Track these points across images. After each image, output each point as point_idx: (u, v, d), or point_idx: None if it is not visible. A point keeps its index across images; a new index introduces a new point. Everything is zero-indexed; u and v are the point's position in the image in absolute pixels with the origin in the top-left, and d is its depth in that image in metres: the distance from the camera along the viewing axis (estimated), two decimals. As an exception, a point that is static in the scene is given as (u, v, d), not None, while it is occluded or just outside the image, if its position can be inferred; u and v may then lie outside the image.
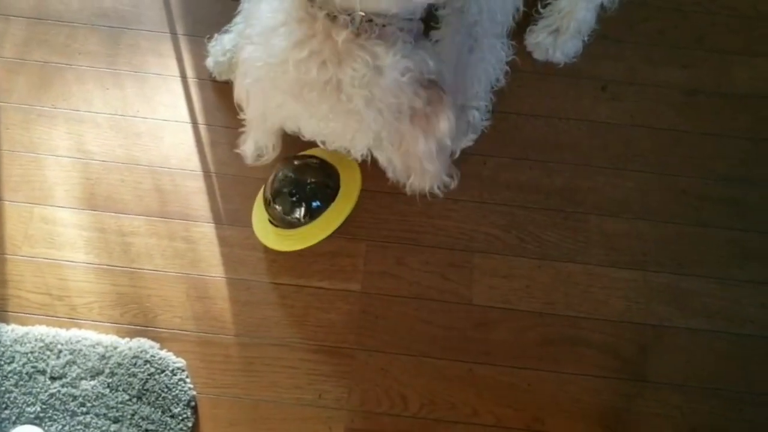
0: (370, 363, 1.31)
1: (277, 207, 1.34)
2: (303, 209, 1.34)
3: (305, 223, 1.35)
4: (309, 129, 1.03)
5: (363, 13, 0.94)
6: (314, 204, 1.34)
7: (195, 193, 1.42)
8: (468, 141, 1.43)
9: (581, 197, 1.42)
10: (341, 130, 1.00)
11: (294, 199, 1.33)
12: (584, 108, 1.49)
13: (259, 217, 1.39)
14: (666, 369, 1.30)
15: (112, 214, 1.40)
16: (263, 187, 1.38)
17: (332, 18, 0.94)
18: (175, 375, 1.26)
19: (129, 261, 1.37)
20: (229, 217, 1.41)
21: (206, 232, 1.40)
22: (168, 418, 1.23)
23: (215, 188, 1.43)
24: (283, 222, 1.35)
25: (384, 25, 0.97)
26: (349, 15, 0.94)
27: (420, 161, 1.08)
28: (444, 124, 1.02)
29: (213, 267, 1.37)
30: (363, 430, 1.26)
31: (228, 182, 1.43)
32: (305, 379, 1.29)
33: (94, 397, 1.24)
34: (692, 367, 1.30)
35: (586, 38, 1.52)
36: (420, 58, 0.99)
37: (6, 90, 1.50)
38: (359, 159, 1.13)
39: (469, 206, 1.41)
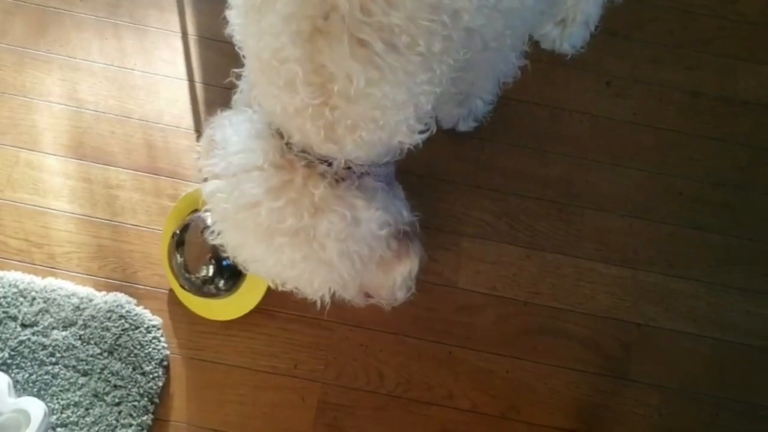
0: (349, 338, 1.28)
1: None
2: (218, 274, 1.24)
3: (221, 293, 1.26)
4: (269, 272, 0.99)
5: (343, 162, 0.91)
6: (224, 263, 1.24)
7: (186, 152, 1.40)
8: (467, 127, 1.41)
9: (577, 190, 1.40)
10: (307, 276, 0.97)
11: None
12: (587, 101, 1.48)
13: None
14: (647, 369, 1.29)
15: (100, 165, 1.37)
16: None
17: (310, 165, 0.91)
18: (149, 333, 1.23)
19: (112, 214, 1.34)
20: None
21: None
22: (138, 375, 1.20)
23: (207, 149, 1.40)
24: (194, 287, 1.25)
25: (362, 174, 0.94)
26: (328, 164, 0.91)
27: (379, 293, 1.07)
28: (405, 269, 1.01)
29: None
30: (337, 403, 1.24)
31: (220, 144, 1.41)
32: (282, 347, 1.27)
33: (64, 347, 1.22)
34: (673, 368, 1.29)
35: (593, 29, 1.50)
36: (396, 209, 0.98)
37: (0, 30, 1.46)
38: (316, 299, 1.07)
39: (463, 189, 1.38)
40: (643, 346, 1.30)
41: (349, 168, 0.93)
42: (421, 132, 0.95)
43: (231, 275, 1.25)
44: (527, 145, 1.43)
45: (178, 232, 1.25)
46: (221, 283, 1.25)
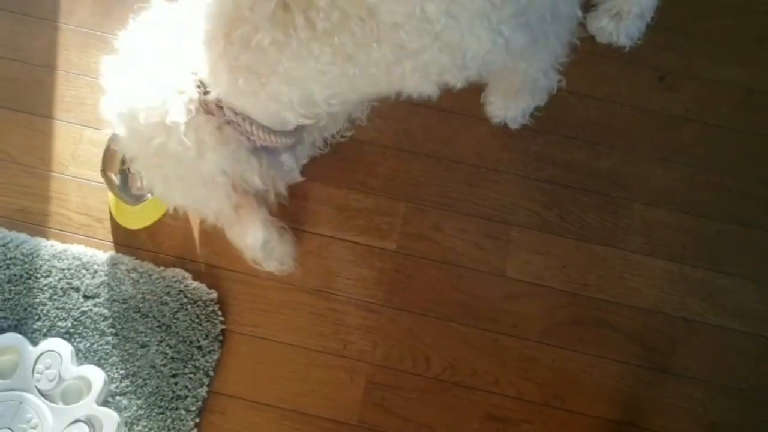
0: (396, 321, 1.31)
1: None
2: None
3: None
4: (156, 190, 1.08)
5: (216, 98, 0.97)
6: None
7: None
8: (517, 125, 1.42)
9: (627, 183, 1.40)
10: (169, 191, 1.06)
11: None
12: (639, 95, 1.48)
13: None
14: (692, 363, 1.29)
15: (159, 145, 1.42)
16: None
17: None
18: (206, 307, 1.28)
19: (171, 193, 1.38)
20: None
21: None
22: (194, 350, 1.25)
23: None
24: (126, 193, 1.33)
25: (231, 122, 0.99)
26: (205, 92, 0.97)
27: (241, 250, 1.10)
28: (250, 238, 1.04)
29: (253, 209, 1.38)
30: (383, 384, 1.27)
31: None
32: (331, 328, 1.31)
33: (124, 319, 1.26)
34: (719, 364, 1.29)
35: (649, 20, 1.50)
36: (248, 170, 1.02)
37: (67, 11, 1.51)
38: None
39: (513, 179, 1.40)
40: (689, 340, 1.31)
41: (220, 108, 0.97)
42: (306, 117, 1.00)
43: None
44: (578, 137, 1.44)
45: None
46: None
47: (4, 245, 1.31)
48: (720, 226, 1.39)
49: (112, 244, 1.34)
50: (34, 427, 1.17)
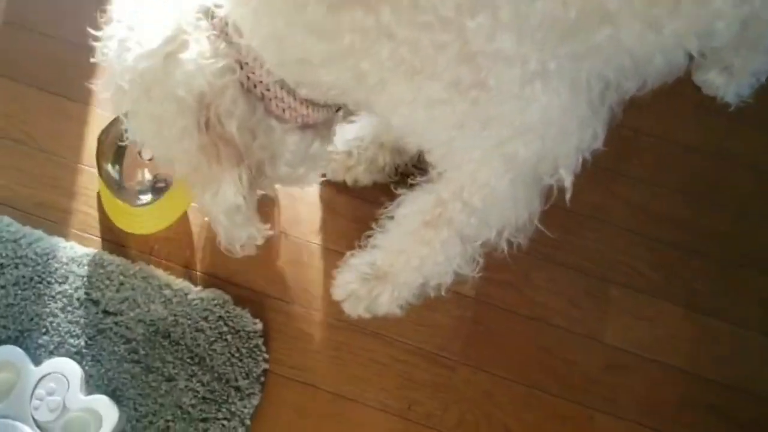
0: (473, 381, 1.10)
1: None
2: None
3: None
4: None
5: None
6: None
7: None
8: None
9: (741, 247, 1.22)
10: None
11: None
12: (752, 151, 1.31)
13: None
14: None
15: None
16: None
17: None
18: (250, 340, 1.06)
19: (219, 203, 1.19)
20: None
21: (311, 191, 1.21)
22: (232, 390, 1.02)
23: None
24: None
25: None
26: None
27: None
28: (218, 196, 0.87)
29: (313, 232, 1.18)
30: (454, 458, 1.05)
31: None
32: (395, 381, 1.09)
33: (149, 345, 1.04)
34: None
35: (764, 79, 1.36)
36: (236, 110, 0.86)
37: None
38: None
39: (614, 231, 1.21)
40: (815, 441, 1.10)
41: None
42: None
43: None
44: (684, 190, 1.26)
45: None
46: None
47: (14, 241, 1.09)
48: None
49: (144, 254, 1.14)
50: (22, 467, 0.94)
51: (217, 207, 0.89)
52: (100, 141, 1.14)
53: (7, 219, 1.12)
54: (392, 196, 1.04)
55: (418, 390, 1.08)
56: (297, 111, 0.88)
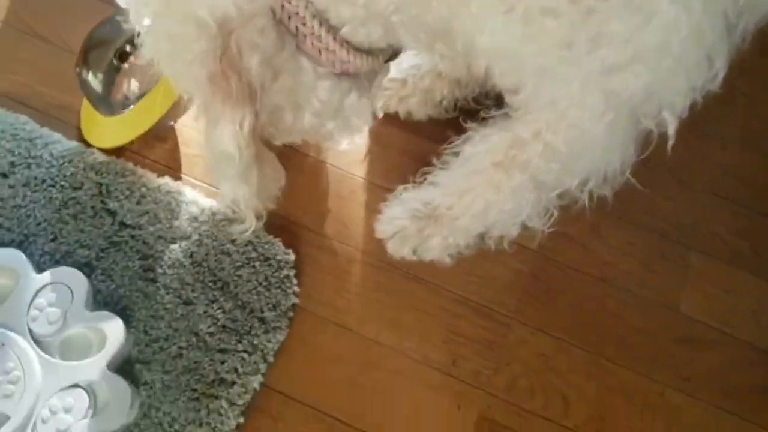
0: (529, 342, 0.96)
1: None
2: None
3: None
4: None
5: None
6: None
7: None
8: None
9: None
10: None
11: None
12: None
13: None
14: None
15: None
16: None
17: None
18: (280, 270, 0.93)
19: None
20: (391, 114, 1.10)
21: (359, 121, 1.09)
22: (255, 321, 0.90)
23: (384, 76, 1.14)
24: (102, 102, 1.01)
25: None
26: None
27: None
28: (220, 138, 0.75)
29: (357, 162, 1.06)
30: (503, 425, 0.90)
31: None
32: (440, 333, 0.95)
33: (168, 263, 0.92)
34: None
35: None
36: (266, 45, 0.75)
37: None
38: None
39: (699, 194, 1.07)
40: None
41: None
42: None
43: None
44: (776, 159, 1.13)
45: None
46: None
47: (29, 140, 0.98)
48: None
49: (170, 169, 1.02)
50: (13, 382, 0.81)
51: (212, 148, 0.76)
52: (83, 47, 1.01)
53: (23, 117, 1.01)
54: (460, 131, 0.92)
55: (466, 345, 0.95)
56: (336, 55, 0.76)
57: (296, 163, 1.05)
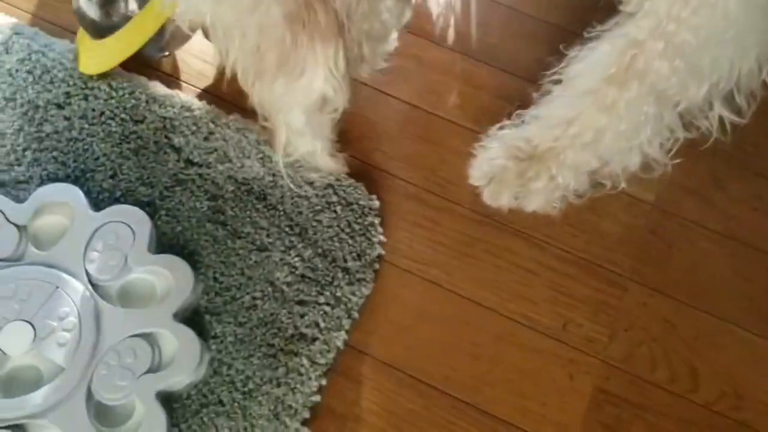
0: (649, 305, 0.83)
1: None
2: None
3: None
4: None
5: None
6: None
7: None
8: None
9: None
10: None
11: None
12: None
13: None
14: None
15: None
16: None
17: None
18: (365, 216, 0.82)
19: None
20: (483, 53, 0.99)
21: (448, 60, 0.98)
22: (338, 271, 0.79)
23: (473, 12, 1.02)
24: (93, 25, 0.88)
25: None
26: None
27: None
28: (306, 81, 0.65)
29: (451, 105, 0.94)
30: (621, 397, 0.78)
31: (494, 11, 1.02)
32: (546, 294, 0.83)
33: (240, 205, 0.81)
34: None
35: None
36: None
37: None
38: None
39: None
40: None
41: None
42: None
43: None
44: None
45: None
46: None
47: (86, 71, 0.90)
48: None
49: (240, 108, 0.92)
50: (67, 329, 0.71)
51: (296, 100, 0.66)
52: None
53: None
54: (560, 57, 0.81)
55: (576, 308, 0.82)
56: None
57: (378, 104, 0.94)
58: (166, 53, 0.94)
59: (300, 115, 0.69)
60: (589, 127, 0.78)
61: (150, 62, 0.94)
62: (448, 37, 1.00)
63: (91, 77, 0.88)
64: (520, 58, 0.97)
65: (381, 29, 0.75)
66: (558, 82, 0.82)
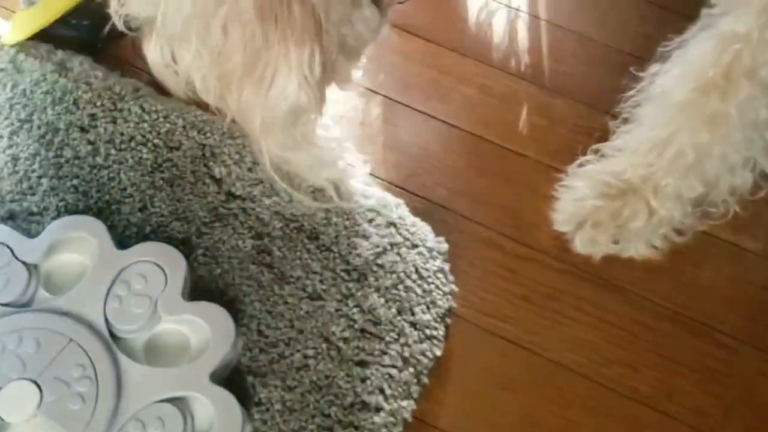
0: (765, 372, 0.71)
1: None
2: None
3: None
4: None
5: None
6: None
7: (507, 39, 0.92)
8: None
9: None
10: None
11: None
12: None
13: None
14: None
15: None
16: None
17: None
18: (433, 259, 0.70)
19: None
20: (556, 82, 0.89)
21: (516, 88, 0.88)
22: (406, 325, 0.66)
23: (542, 39, 0.93)
24: None
25: None
26: None
27: None
28: (277, 86, 0.57)
29: (516, 138, 0.84)
30: (746, 486, 0.66)
31: (564, 37, 0.93)
32: (644, 356, 0.70)
33: (288, 246, 0.69)
34: None
35: None
36: None
37: None
38: None
39: None
40: None
41: None
42: None
43: None
44: None
45: None
46: None
47: (113, 89, 0.79)
48: None
49: (284, 135, 0.82)
50: (80, 392, 0.59)
51: (269, 107, 0.57)
52: None
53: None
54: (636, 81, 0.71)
55: (682, 374, 0.70)
56: None
57: (443, 135, 0.83)
58: None
59: (276, 123, 0.59)
60: (689, 144, 0.67)
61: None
62: (511, 64, 0.91)
63: (121, 98, 0.78)
64: (594, 86, 0.87)
65: (355, 41, 0.65)
66: (639, 105, 0.72)
